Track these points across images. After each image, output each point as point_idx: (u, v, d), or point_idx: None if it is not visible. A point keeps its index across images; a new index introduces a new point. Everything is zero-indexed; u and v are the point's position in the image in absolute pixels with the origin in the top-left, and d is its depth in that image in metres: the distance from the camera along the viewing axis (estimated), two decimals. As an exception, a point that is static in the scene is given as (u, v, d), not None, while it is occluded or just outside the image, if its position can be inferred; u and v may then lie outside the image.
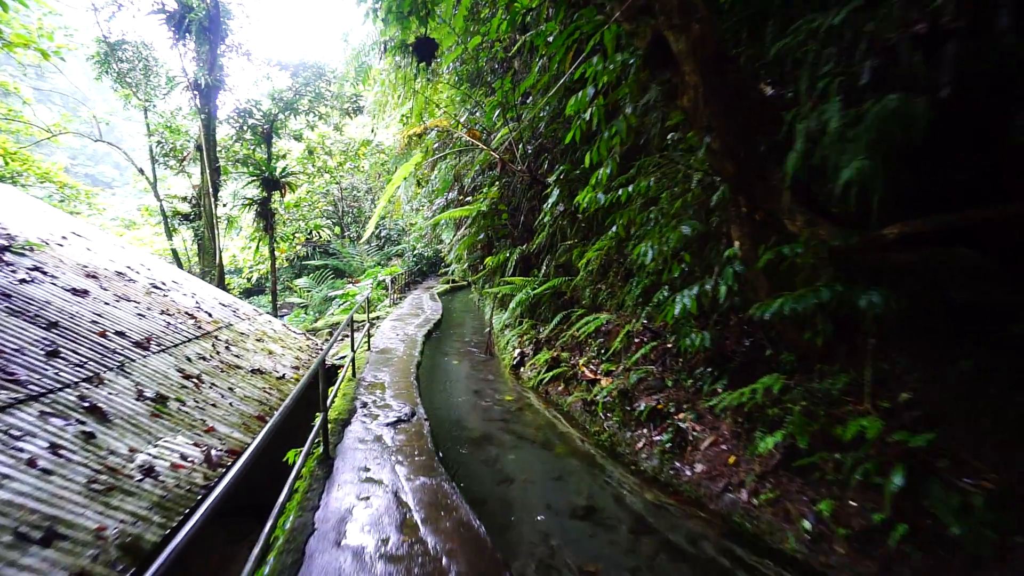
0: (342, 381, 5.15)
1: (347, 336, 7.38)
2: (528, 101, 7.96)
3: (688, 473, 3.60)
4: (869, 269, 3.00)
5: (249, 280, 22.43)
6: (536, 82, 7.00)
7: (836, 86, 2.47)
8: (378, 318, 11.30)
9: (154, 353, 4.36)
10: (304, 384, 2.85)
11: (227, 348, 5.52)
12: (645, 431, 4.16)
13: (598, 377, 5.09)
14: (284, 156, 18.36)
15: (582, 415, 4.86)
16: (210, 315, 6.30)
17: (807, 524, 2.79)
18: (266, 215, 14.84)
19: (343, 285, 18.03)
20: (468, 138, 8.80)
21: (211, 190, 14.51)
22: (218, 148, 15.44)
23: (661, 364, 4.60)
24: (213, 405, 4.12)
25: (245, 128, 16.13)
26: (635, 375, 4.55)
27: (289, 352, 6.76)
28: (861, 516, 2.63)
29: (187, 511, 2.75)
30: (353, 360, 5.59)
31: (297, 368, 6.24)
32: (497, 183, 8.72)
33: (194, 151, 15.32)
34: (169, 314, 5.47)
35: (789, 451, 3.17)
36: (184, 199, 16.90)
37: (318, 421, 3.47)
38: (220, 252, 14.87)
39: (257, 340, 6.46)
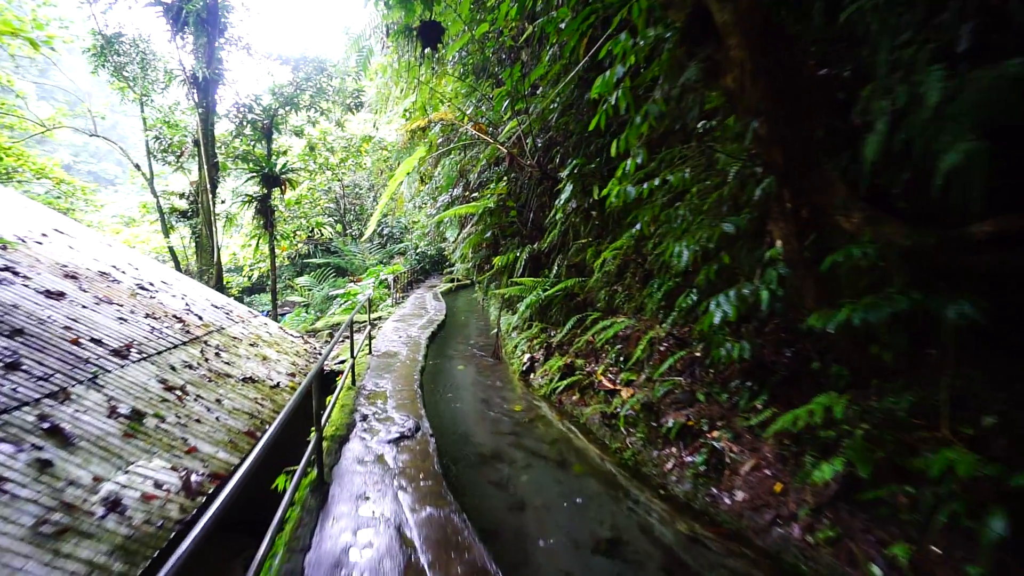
0: (340, 390, 4.76)
1: (347, 339, 6.99)
2: (538, 92, 7.56)
3: (727, 501, 3.19)
4: (945, 274, 2.60)
5: (249, 279, 22.14)
6: (546, 72, 6.59)
7: (926, 54, 2.05)
8: (380, 318, 10.93)
9: (134, 362, 3.98)
10: (297, 398, 2.47)
11: (217, 354, 5.14)
12: (674, 450, 3.76)
13: (618, 387, 4.69)
14: (285, 152, 18.03)
15: (601, 429, 4.46)
16: (200, 318, 5.91)
17: (877, 570, 2.39)
18: (266, 212, 14.51)
19: (345, 284, 17.71)
20: (474, 132, 8.40)
21: (209, 186, 14.18)
22: (217, 144, 15.09)
23: (690, 375, 4.19)
24: (197, 421, 3.74)
25: (245, 123, 15.79)
26: (661, 387, 4.14)
27: (285, 357, 6.38)
28: (949, 566, 2.22)
29: (155, 554, 2.36)
30: (353, 367, 5.20)
31: (293, 375, 5.86)
32: (505, 178, 8.33)
33: (192, 147, 14.97)
34: (155, 318, 5.09)
35: (848, 481, 2.77)
36: (182, 195, 16.56)
37: (312, 440, 3.08)
38: (218, 250, 14.54)
39: (251, 345, 6.08)
